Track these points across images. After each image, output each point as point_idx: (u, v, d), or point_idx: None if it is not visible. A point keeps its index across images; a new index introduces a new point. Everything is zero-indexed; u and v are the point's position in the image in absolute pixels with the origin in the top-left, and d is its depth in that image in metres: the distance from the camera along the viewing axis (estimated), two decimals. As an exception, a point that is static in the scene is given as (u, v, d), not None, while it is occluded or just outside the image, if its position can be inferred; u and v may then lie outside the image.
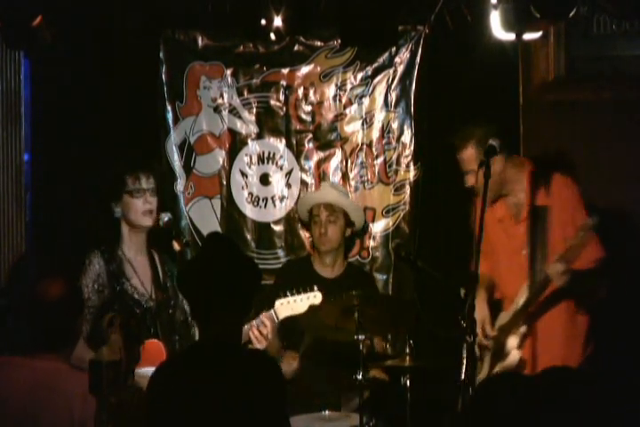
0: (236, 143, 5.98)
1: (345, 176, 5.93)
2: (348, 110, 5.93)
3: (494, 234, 4.80)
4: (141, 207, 4.65)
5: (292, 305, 4.78)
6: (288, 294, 4.79)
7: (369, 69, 5.90)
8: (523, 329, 4.68)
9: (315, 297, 4.79)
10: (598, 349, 4.80)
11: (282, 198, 5.96)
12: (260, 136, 5.98)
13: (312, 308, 4.74)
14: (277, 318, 4.76)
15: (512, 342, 4.70)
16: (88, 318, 4.46)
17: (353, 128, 5.94)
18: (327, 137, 5.96)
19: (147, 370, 3.94)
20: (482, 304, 4.80)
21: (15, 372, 3.73)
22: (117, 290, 4.59)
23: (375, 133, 5.93)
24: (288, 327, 5.10)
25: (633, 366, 5.03)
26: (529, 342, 4.68)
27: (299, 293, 4.80)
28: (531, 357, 4.68)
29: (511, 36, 5.00)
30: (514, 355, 4.67)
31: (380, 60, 5.89)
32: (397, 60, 5.87)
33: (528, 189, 4.75)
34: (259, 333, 4.70)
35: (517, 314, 4.69)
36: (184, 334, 4.74)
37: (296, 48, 5.91)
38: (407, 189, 5.89)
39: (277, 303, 4.79)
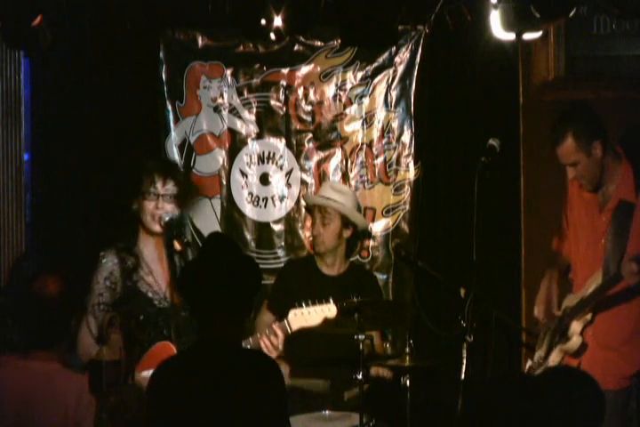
0: (235, 143, 5.98)
1: (345, 176, 5.93)
2: (347, 110, 5.93)
3: (579, 214, 4.83)
4: (151, 211, 4.61)
5: (306, 317, 4.74)
6: (302, 304, 4.76)
7: (369, 69, 5.90)
8: (588, 316, 4.69)
9: (329, 310, 4.74)
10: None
11: (282, 198, 5.96)
12: (259, 136, 5.97)
13: (326, 321, 4.71)
14: (290, 329, 4.74)
15: (576, 326, 4.72)
16: (97, 314, 4.45)
17: (353, 128, 5.94)
18: (327, 137, 5.96)
19: None
20: (550, 282, 4.87)
21: (10, 372, 3.73)
22: (130, 288, 4.57)
23: (375, 133, 5.92)
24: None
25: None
26: (594, 329, 4.70)
27: (314, 304, 4.77)
28: (592, 344, 4.70)
29: (511, 36, 4.99)
30: (575, 339, 4.70)
31: (380, 59, 5.89)
32: (397, 59, 5.87)
33: (619, 182, 4.73)
34: (269, 342, 4.68)
35: (585, 301, 4.71)
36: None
37: (296, 48, 5.91)
38: (407, 189, 5.88)
39: (291, 314, 4.75)
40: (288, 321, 4.74)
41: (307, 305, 4.74)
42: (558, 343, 4.79)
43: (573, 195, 4.91)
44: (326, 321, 4.69)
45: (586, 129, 4.68)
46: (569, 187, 4.96)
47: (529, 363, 4.91)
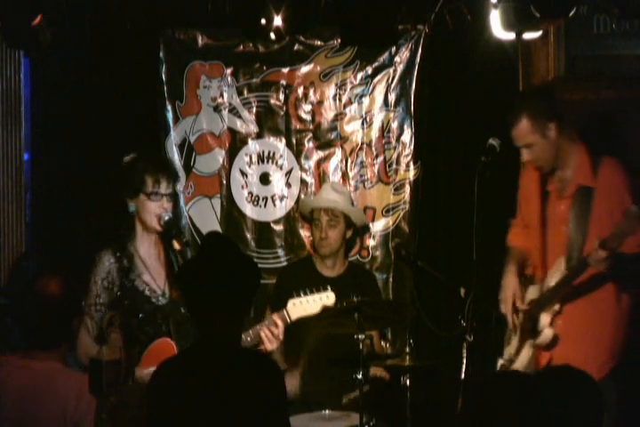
0: (235, 143, 5.98)
1: (345, 175, 5.93)
2: (347, 110, 5.93)
3: (537, 207, 4.81)
4: (155, 211, 4.61)
5: (305, 306, 4.74)
6: (301, 293, 4.76)
7: (369, 69, 5.90)
8: (556, 307, 4.64)
9: (327, 297, 4.75)
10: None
11: (282, 198, 5.96)
12: (259, 135, 5.98)
13: (325, 308, 4.71)
14: (290, 319, 4.73)
15: (545, 319, 4.66)
16: (94, 315, 4.46)
17: (353, 127, 5.94)
18: (327, 136, 5.96)
19: None
20: (512, 278, 4.82)
21: (11, 371, 3.73)
22: (128, 287, 4.57)
23: (375, 133, 5.93)
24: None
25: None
26: (564, 320, 4.64)
27: (311, 293, 4.77)
28: (564, 335, 4.65)
29: (511, 36, 5.00)
30: (547, 332, 4.65)
31: (380, 59, 5.89)
32: (397, 59, 5.87)
33: (576, 167, 4.71)
34: (270, 333, 4.67)
35: (551, 292, 4.66)
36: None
37: (296, 47, 5.91)
38: (407, 189, 5.89)
39: (290, 303, 4.75)
40: (287, 310, 4.74)
41: (305, 294, 4.75)
42: (529, 338, 4.73)
43: (528, 186, 4.87)
44: (325, 309, 4.69)
45: (541, 110, 4.64)
46: (522, 178, 4.91)
47: (500, 361, 4.85)
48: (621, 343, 4.66)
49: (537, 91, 4.86)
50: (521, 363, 4.75)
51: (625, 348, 4.66)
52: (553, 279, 4.67)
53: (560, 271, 4.64)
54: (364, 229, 5.80)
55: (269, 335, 4.67)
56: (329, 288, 4.78)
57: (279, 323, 4.70)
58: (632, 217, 4.30)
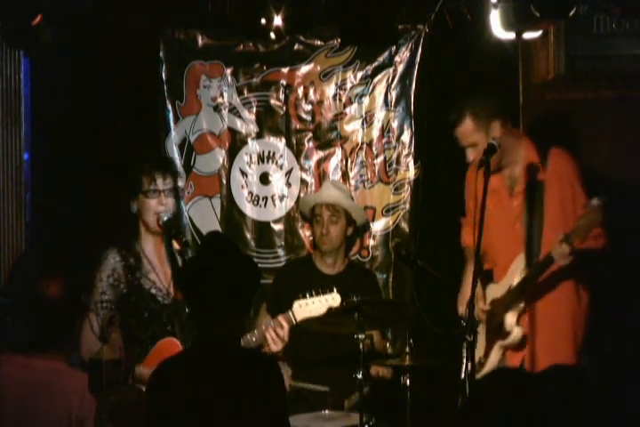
0: (235, 142, 5.98)
1: (345, 175, 5.93)
2: (347, 109, 5.93)
3: (488, 205, 4.77)
4: (155, 208, 4.61)
5: (311, 307, 4.74)
6: (307, 295, 4.76)
7: (369, 69, 5.90)
8: (521, 306, 4.62)
9: (333, 299, 4.75)
10: (601, 325, 4.79)
11: (282, 198, 5.96)
12: (259, 135, 5.98)
13: (330, 310, 4.71)
14: (295, 320, 4.73)
15: (511, 318, 4.64)
16: (100, 312, 4.46)
17: (353, 127, 5.94)
18: (327, 136, 5.96)
19: None
20: (470, 278, 4.71)
21: (14, 371, 3.73)
22: (134, 285, 4.57)
23: (375, 133, 5.93)
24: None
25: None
26: (530, 318, 4.63)
27: (317, 294, 4.77)
28: (531, 334, 4.64)
29: (511, 36, 5.00)
30: (516, 332, 4.63)
31: (380, 59, 5.89)
32: (397, 59, 5.87)
33: (524, 163, 4.70)
34: (275, 334, 4.68)
35: (515, 291, 4.64)
36: None
37: (296, 47, 5.91)
38: (407, 189, 5.89)
39: (295, 305, 4.75)
40: (293, 312, 4.74)
41: (310, 296, 4.75)
42: (497, 340, 4.72)
43: (474, 185, 4.84)
44: (330, 311, 4.69)
45: (484, 109, 4.65)
46: (468, 177, 4.89)
47: (468, 365, 4.84)
48: (582, 340, 4.66)
49: (478, 92, 4.83)
50: (491, 365, 4.73)
51: (585, 344, 4.66)
52: (515, 278, 4.65)
53: (521, 269, 4.63)
54: (365, 228, 5.80)
55: (274, 337, 4.67)
56: (334, 290, 4.78)
57: (284, 324, 4.70)
58: (594, 209, 4.28)
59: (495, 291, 4.74)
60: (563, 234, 4.39)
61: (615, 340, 5.03)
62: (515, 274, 4.65)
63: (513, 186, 4.73)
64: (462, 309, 4.80)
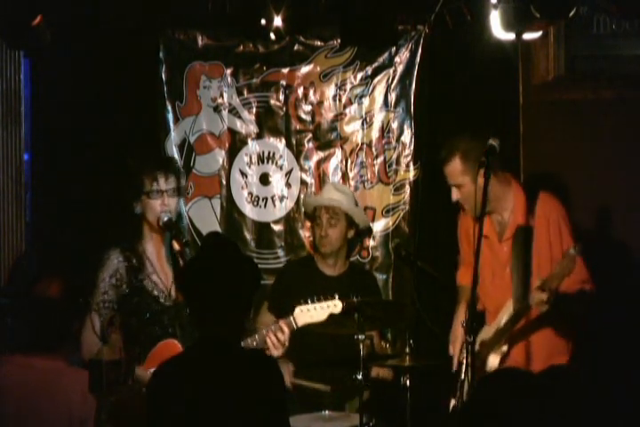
0: (235, 143, 5.98)
1: (345, 176, 5.93)
2: (347, 110, 5.93)
3: (476, 249, 4.77)
4: (159, 209, 4.61)
5: (312, 313, 4.73)
6: (308, 301, 4.76)
7: (369, 69, 5.90)
8: (504, 348, 4.64)
9: (335, 306, 4.74)
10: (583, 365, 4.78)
11: (282, 198, 5.96)
12: (259, 136, 5.98)
13: (332, 317, 4.71)
14: (296, 325, 4.73)
15: (493, 360, 4.64)
16: (102, 312, 4.46)
17: (353, 128, 5.94)
18: (327, 137, 5.96)
19: None
20: (462, 317, 4.75)
21: (14, 370, 3.73)
22: (136, 286, 4.57)
23: (375, 133, 5.92)
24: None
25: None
26: (511, 361, 4.63)
27: (319, 300, 4.77)
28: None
29: (511, 36, 5.00)
30: None
31: (380, 59, 5.89)
32: (397, 59, 5.87)
33: (513, 208, 4.71)
34: (276, 339, 4.67)
35: (499, 333, 4.65)
36: None
37: (296, 48, 5.91)
38: (407, 189, 5.89)
39: (297, 310, 4.74)
40: (294, 317, 4.74)
41: (312, 302, 4.74)
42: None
43: (467, 229, 4.85)
44: (332, 317, 4.69)
45: (473, 155, 4.55)
46: (460, 221, 4.91)
47: (452, 402, 4.80)
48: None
49: (472, 134, 4.80)
50: None
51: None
52: (502, 321, 4.66)
53: (509, 313, 4.64)
54: (368, 231, 5.79)
55: (275, 341, 4.67)
56: (336, 296, 4.77)
57: (285, 329, 4.69)
58: (570, 258, 4.30)
59: (485, 333, 4.74)
60: (539, 280, 4.41)
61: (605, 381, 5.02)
62: (503, 318, 4.67)
63: (502, 232, 4.74)
64: (452, 349, 4.84)
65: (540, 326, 4.62)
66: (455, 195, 4.73)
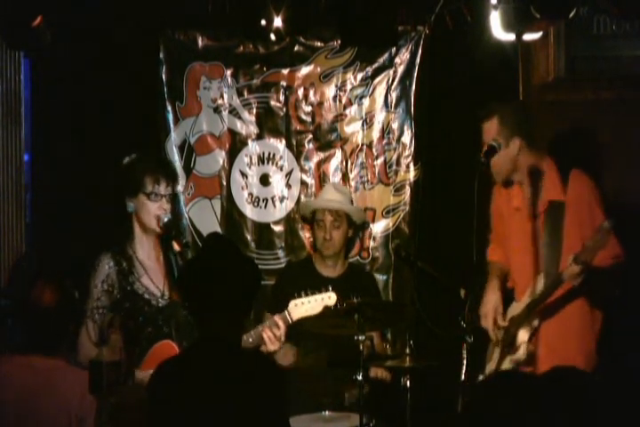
0: (235, 144, 5.98)
1: (345, 177, 5.93)
2: (348, 111, 5.93)
3: (510, 223, 4.81)
4: (155, 211, 4.60)
5: (307, 306, 4.74)
6: (302, 294, 4.76)
7: (369, 70, 5.90)
8: (534, 323, 4.65)
9: (329, 298, 4.75)
10: (612, 345, 4.79)
11: (282, 199, 5.96)
12: (259, 137, 5.98)
13: (326, 309, 4.71)
14: (291, 320, 4.73)
15: (523, 335, 4.66)
16: (96, 318, 4.45)
17: (353, 129, 5.94)
18: (327, 137, 5.96)
19: None
20: (493, 293, 4.82)
21: (14, 370, 3.73)
22: (127, 290, 4.57)
23: (375, 134, 5.93)
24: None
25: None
26: (542, 336, 4.65)
27: (313, 293, 4.77)
28: (542, 351, 4.64)
29: (511, 37, 5.00)
30: (523, 349, 4.64)
31: (380, 60, 5.89)
32: (397, 60, 5.87)
33: (545, 183, 4.72)
34: (272, 334, 4.67)
35: (529, 308, 4.66)
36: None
37: (296, 48, 5.91)
38: (407, 190, 5.89)
39: (291, 304, 4.75)
40: (289, 311, 4.74)
41: (306, 295, 4.75)
42: (508, 355, 4.72)
43: (500, 203, 4.87)
44: (326, 309, 4.69)
45: (510, 122, 4.67)
46: (494, 195, 4.92)
47: (480, 377, 4.84)
48: (593, 358, 4.67)
49: (513, 103, 4.86)
50: None
51: (597, 363, 4.67)
52: (533, 296, 4.68)
53: (539, 288, 4.66)
54: (364, 227, 5.79)
55: (271, 336, 4.67)
56: (330, 289, 4.78)
57: (281, 324, 4.69)
58: (604, 231, 4.31)
59: (515, 309, 4.78)
60: (573, 254, 4.42)
61: (629, 363, 5.01)
62: (533, 293, 4.68)
63: (534, 206, 4.75)
64: (484, 321, 4.83)
65: (571, 300, 4.62)
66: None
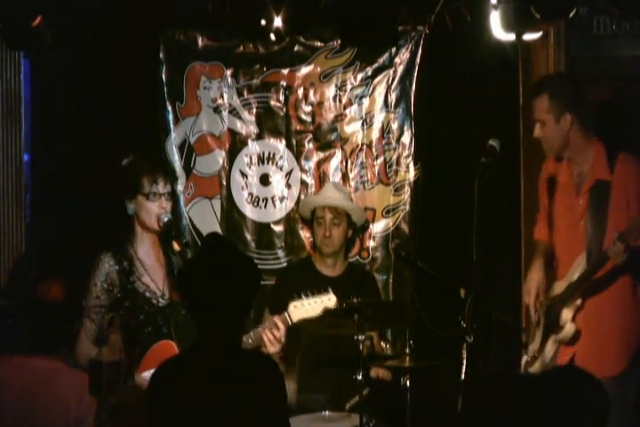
0: (235, 144, 5.98)
1: (345, 177, 5.93)
2: (347, 111, 5.93)
3: (557, 202, 4.84)
4: (155, 211, 4.61)
5: (307, 308, 4.74)
6: (302, 296, 4.76)
7: (369, 70, 5.90)
8: (578, 302, 4.67)
9: (329, 300, 4.75)
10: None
11: (282, 199, 5.96)
12: (259, 137, 5.98)
13: (326, 311, 4.71)
14: (291, 321, 4.73)
15: (567, 314, 4.68)
16: (96, 317, 4.45)
17: (353, 128, 5.94)
18: (327, 137, 5.96)
19: None
20: (536, 271, 4.88)
21: (13, 370, 3.73)
22: (128, 289, 4.57)
23: (375, 134, 5.92)
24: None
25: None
26: (584, 314, 4.67)
27: (313, 295, 4.77)
28: (584, 330, 4.68)
29: (511, 37, 5.01)
30: (569, 327, 4.67)
31: (380, 60, 5.89)
32: (397, 60, 5.87)
33: (593, 162, 4.74)
34: (272, 335, 4.67)
35: (572, 287, 4.69)
36: None
37: (296, 48, 5.91)
38: (407, 190, 5.88)
39: (291, 306, 4.75)
40: (288, 313, 4.74)
41: (306, 297, 4.75)
42: (552, 334, 4.76)
43: (548, 179, 4.90)
44: (326, 311, 4.69)
45: (562, 97, 4.71)
46: (543, 166, 4.96)
47: (524, 358, 4.89)
48: (635, 338, 4.69)
49: (563, 80, 4.97)
50: (544, 359, 4.78)
51: (638, 343, 4.69)
52: (575, 275, 4.70)
53: (581, 267, 4.67)
54: (364, 228, 5.79)
55: (271, 338, 4.67)
56: (330, 291, 4.78)
57: (280, 325, 4.69)
58: None
59: (557, 287, 4.81)
60: (617, 232, 4.45)
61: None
62: (575, 272, 4.71)
63: (581, 184, 4.77)
64: (527, 298, 4.88)
65: (615, 279, 4.64)
66: (537, 131, 4.79)
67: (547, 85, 4.80)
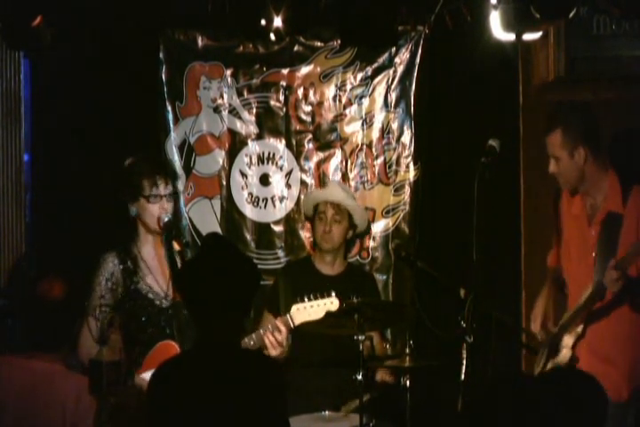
0: (235, 144, 5.98)
1: (345, 176, 5.93)
2: (347, 111, 5.93)
3: (569, 229, 4.82)
4: (157, 213, 4.61)
5: (309, 311, 4.74)
6: (305, 299, 4.76)
7: (369, 70, 5.90)
8: (579, 329, 4.67)
9: (332, 303, 4.75)
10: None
11: (282, 199, 5.96)
12: (259, 136, 5.98)
13: (329, 314, 4.71)
14: (293, 324, 4.73)
15: (567, 340, 4.69)
16: (100, 316, 4.45)
17: (353, 128, 5.94)
18: (327, 137, 5.96)
19: None
20: (543, 298, 4.90)
21: (11, 372, 3.73)
22: (131, 289, 4.57)
23: (375, 134, 5.93)
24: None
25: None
26: (585, 341, 4.67)
27: (315, 298, 4.77)
28: (584, 356, 4.67)
29: (511, 37, 5.00)
30: (565, 352, 4.67)
31: (380, 60, 5.89)
32: (397, 60, 5.87)
33: (606, 194, 4.71)
34: (274, 338, 4.67)
35: (574, 314, 4.69)
36: None
37: (296, 48, 5.91)
38: (407, 190, 5.88)
39: (294, 309, 4.75)
40: (291, 316, 4.74)
41: (309, 299, 4.75)
42: (550, 358, 4.76)
43: (564, 209, 4.89)
44: (329, 315, 4.69)
45: (575, 131, 4.65)
46: (562, 201, 4.93)
47: (537, 369, 4.88)
48: (637, 365, 4.68)
49: (580, 110, 4.86)
50: None
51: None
52: (579, 304, 4.70)
53: (585, 294, 4.67)
54: (365, 232, 5.78)
55: (272, 341, 4.67)
56: (333, 294, 4.78)
57: (282, 329, 4.70)
58: None
59: (565, 317, 4.81)
60: (614, 260, 4.45)
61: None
62: (580, 301, 4.69)
63: (593, 215, 4.75)
64: (533, 325, 4.90)
65: (615, 307, 4.63)
66: (552, 167, 4.74)
67: (560, 119, 4.73)
